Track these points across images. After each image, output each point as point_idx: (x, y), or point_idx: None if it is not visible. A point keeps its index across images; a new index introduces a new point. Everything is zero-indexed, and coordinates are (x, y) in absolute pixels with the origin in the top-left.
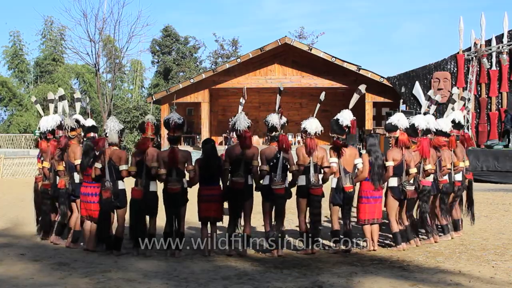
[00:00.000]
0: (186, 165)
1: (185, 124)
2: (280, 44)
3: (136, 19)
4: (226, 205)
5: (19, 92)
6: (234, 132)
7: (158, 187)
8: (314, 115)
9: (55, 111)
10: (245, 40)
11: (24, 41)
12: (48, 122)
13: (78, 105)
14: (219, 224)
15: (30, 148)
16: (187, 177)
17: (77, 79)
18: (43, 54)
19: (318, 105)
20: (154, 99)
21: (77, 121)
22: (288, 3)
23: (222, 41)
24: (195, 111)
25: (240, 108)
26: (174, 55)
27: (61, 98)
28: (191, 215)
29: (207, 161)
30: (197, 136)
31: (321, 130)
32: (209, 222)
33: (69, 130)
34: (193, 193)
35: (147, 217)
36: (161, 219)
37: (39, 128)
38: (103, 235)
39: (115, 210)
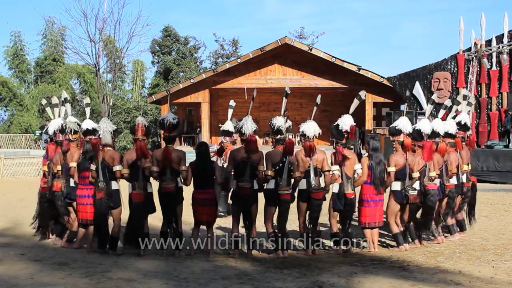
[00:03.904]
0: (179, 165)
1: (179, 124)
2: (280, 44)
3: (136, 19)
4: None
5: (19, 92)
6: (240, 136)
7: (154, 188)
8: (312, 117)
9: (59, 114)
10: (245, 40)
11: (25, 41)
12: (52, 126)
13: (88, 110)
14: (221, 224)
15: (31, 148)
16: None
17: (77, 79)
18: (44, 54)
19: (315, 108)
20: (154, 99)
21: (79, 124)
22: (288, 3)
23: (222, 41)
24: (195, 111)
25: (230, 111)
26: (174, 55)
27: (65, 100)
28: (191, 216)
29: (200, 165)
30: (197, 136)
31: (319, 133)
32: (205, 225)
33: (72, 133)
34: (189, 194)
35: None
36: (157, 219)
37: (46, 130)
38: (101, 236)
39: (110, 211)
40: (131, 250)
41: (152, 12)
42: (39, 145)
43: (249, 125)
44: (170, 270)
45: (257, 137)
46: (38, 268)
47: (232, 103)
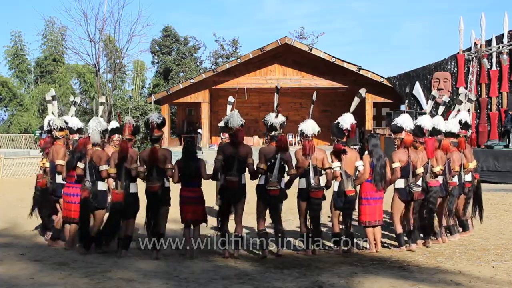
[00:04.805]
0: (165, 164)
1: (165, 123)
2: (280, 44)
3: (136, 19)
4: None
5: (19, 92)
6: (227, 130)
7: (139, 189)
8: (309, 116)
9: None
10: (245, 40)
11: (25, 41)
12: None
13: (101, 109)
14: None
15: (30, 148)
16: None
17: (77, 79)
18: (44, 54)
19: (312, 106)
20: (154, 99)
21: (66, 122)
22: (288, 3)
23: (222, 41)
24: (195, 111)
25: (229, 107)
26: (174, 55)
27: (53, 98)
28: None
29: (187, 162)
30: (197, 136)
31: (318, 131)
32: (192, 224)
33: (58, 130)
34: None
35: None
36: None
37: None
38: (83, 234)
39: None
40: (100, 250)
41: (152, 12)
42: (39, 145)
43: (235, 119)
44: (170, 270)
45: (257, 137)
46: (38, 268)
47: (231, 99)
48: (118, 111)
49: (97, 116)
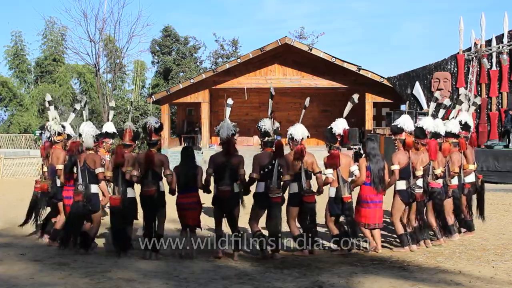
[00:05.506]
0: (163, 170)
1: (162, 128)
2: (280, 44)
3: (136, 19)
4: None
5: (19, 92)
6: (220, 140)
7: (136, 193)
8: (300, 120)
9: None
10: (245, 40)
11: (26, 41)
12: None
13: (111, 114)
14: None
15: (30, 148)
16: (164, 181)
17: (77, 79)
18: (44, 54)
19: (303, 110)
20: (154, 99)
21: (63, 126)
22: (288, 3)
23: (222, 41)
24: (195, 111)
25: (228, 110)
26: (174, 55)
27: (49, 103)
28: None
29: (184, 168)
30: (198, 136)
31: (308, 135)
32: (190, 229)
33: (56, 135)
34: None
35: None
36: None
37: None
38: (73, 236)
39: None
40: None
41: (152, 12)
42: (39, 145)
43: (225, 129)
44: (170, 270)
45: (256, 137)
46: (38, 268)
47: (229, 101)
48: (118, 111)
49: (107, 120)
